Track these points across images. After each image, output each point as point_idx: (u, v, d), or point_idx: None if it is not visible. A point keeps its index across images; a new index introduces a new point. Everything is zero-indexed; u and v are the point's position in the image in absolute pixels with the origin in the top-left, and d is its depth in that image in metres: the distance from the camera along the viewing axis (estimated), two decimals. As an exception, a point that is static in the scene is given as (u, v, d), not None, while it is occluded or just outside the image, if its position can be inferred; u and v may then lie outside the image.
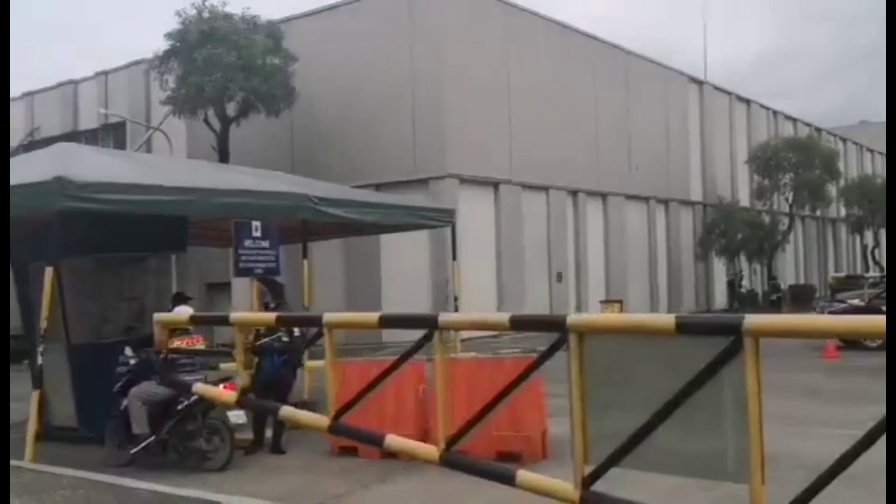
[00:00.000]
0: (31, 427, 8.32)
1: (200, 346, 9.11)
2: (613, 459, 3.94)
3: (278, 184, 11.60)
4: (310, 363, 10.65)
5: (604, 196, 31.42)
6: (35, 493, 6.84)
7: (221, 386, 7.80)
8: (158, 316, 6.56)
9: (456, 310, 14.94)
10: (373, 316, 5.06)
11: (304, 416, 5.52)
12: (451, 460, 4.73)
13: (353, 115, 25.11)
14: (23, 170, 9.45)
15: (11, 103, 36.89)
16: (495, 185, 26.00)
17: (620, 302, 26.05)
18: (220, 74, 22.22)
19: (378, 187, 23.44)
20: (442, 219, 13.99)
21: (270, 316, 5.90)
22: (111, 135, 32.67)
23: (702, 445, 3.83)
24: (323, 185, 13.10)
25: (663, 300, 34.54)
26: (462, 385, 8.46)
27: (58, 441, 10.91)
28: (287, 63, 23.79)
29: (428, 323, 4.77)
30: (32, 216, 8.76)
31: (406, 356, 5.09)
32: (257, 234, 10.20)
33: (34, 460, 8.16)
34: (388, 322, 5.15)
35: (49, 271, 8.68)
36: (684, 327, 3.66)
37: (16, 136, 34.84)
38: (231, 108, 24.32)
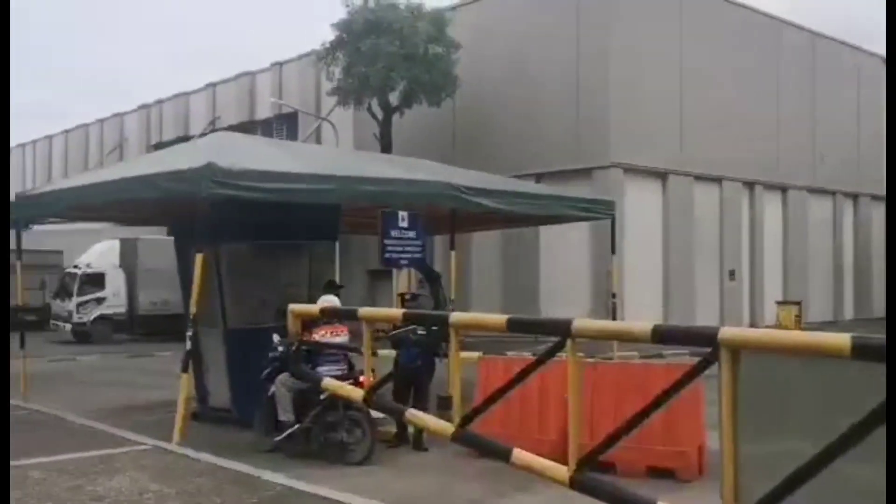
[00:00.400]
0: (180, 409, 8.47)
1: (343, 336, 8.99)
2: (776, 497, 3.28)
3: (426, 173, 11.34)
4: (462, 354, 10.32)
5: (784, 189, 29.27)
6: (170, 477, 6.88)
7: (362, 379, 7.65)
8: (291, 306, 6.47)
9: (613, 308, 14.23)
10: (500, 319, 4.61)
11: (429, 420, 5.16)
12: (583, 483, 4.21)
13: (515, 104, 24.64)
14: (179, 157, 9.74)
15: (195, 94, 39.26)
16: (663, 175, 24.73)
17: (799, 304, 24.19)
18: (383, 64, 22.38)
19: (539, 178, 22.88)
20: (601, 210, 13.30)
21: (397, 312, 5.60)
22: (284, 125, 33.90)
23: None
24: (474, 174, 12.76)
25: (848, 305, 31.88)
26: (608, 393, 7.86)
27: (214, 422, 11.31)
28: (450, 51, 23.64)
29: (560, 330, 4.27)
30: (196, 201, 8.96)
31: (537, 364, 4.62)
32: (403, 223, 9.98)
33: (181, 442, 8.29)
34: (518, 326, 4.67)
35: (199, 257, 8.82)
36: (862, 351, 2.94)
37: (198, 126, 36.90)
38: (394, 98, 24.49)
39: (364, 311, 5.66)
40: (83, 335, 27.14)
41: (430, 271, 11.94)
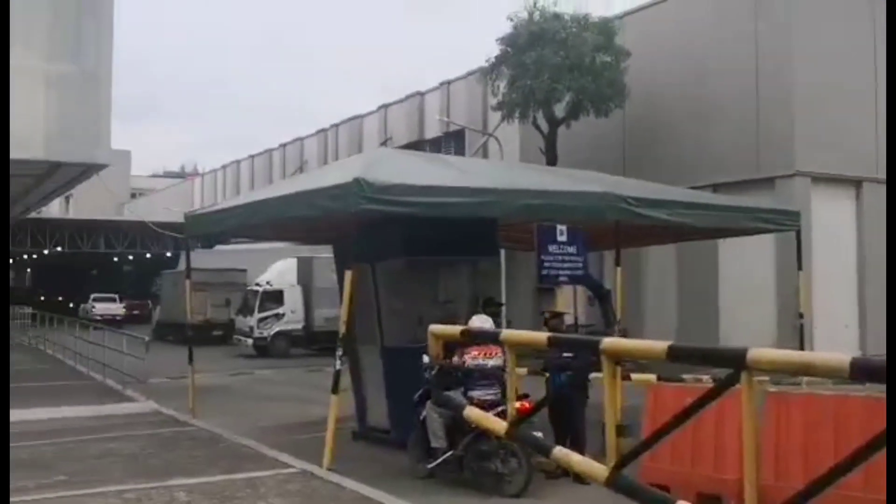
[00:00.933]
0: (330, 433, 8.21)
1: (497, 359, 8.45)
2: None
3: (591, 183, 10.63)
4: (636, 377, 9.50)
5: None
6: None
7: (519, 404, 7.09)
8: (431, 328, 6.02)
9: (801, 329, 12.85)
10: (660, 346, 3.90)
11: (578, 461, 4.50)
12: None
13: (689, 111, 23.27)
14: (334, 174, 9.62)
15: (368, 116, 40.26)
16: (857, 183, 22.51)
17: None
18: (548, 76, 21.79)
19: (716, 188, 21.40)
20: (783, 222, 12.04)
21: (542, 336, 5.00)
22: (452, 142, 34.00)
23: None
24: (640, 184, 11.90)
25: None
26: (795, 427, 6.86)
27: (371, 443, 11.11)
28: (619, 60, 22.71)
29: (731, 361, 3.52)
30: (359, 219, 8.81)
31: (709, 398, 3.88)
32: (562, 238, 9.32)
33: (331, 466, 8.03)
34: (681, 355, 3.95)
35: (349, 274, 8.57)
36: None
37: (371, 147, 37.73)
38: (559, 110, 23.83)
39: (506, 334, 5.10)
40: (263, 349, 28.23)
41: (598, 287, 11.21)
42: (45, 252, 54.62)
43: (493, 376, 8.48)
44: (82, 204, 63.00)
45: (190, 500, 6.69)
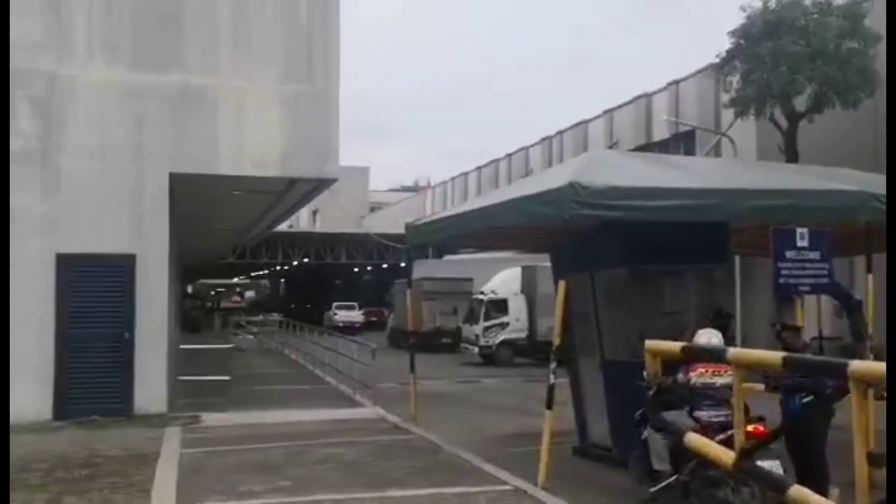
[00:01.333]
0: (544, 450, 7.87)
1: (726, 377, 7.67)
2: None
3: (835, 181, 9.49)
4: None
5: None
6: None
7: (752, 428, 6.37)
8: (648, 344, 5.50)
9: None
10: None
11: (818, 501, 3.84)
12: None
13: (958, 97, 20.53)
14: (547, 179, 9.29)
15: (593, 122, 39.55)
16: None
17: None
18: (786, 66, 20.09)
19: None
20: None
21: (776, 357, 4.33)
22: (682, 144, 32.51)
23: None
24: None
25: None
26: None
27: (592, 460, 10.62)
28: (867, 45, 20.50)
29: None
30: (575, 225, 8.45)
31: None
32: (803, 242, 8.33)
33: (546, 484, 7.67)
34: None
35: (562, 285, 8.18)
36: None
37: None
38: (800, 103, 21.92)
39: (735, 353, 4.50)
40: (489, 358, 28.46)
41: (847, 297, 10.01)
42: (295, 263, 58.86)
43: (723, 395, 7.72)
44: (327, 218, 67.26)
45: (401, 514, 6.61)
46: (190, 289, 73.29)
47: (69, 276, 12.35)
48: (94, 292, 12.48)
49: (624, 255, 9.94)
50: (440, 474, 8.23)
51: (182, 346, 14.41)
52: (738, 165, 15.32)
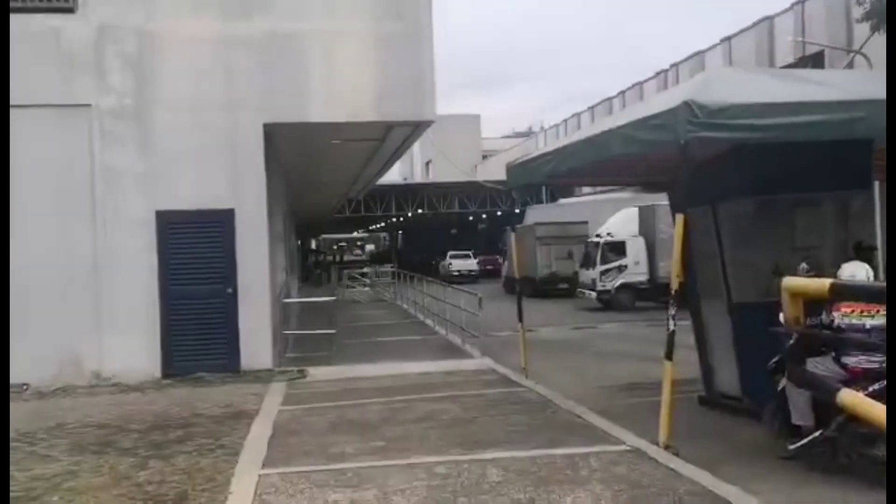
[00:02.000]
0: (665, 406, 7.01)
1: (879, 317, 6.59)
2: None
3: None
4: None
5: None
6: (640, 501, 5.44)
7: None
8: (786, 282, 4.57)
9: None
10: None
11: None
12: None
13: None
14: (660, 102, 8.25)
15: (710, 51, 37.20)
16: None
17: None
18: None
19: None
20: None
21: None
22: (809, 67, 30.07)
23: None
24: None
25: None
26: None
27: (721, 411, 9.73)
28: None
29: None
30: (693, 152, 7.47)
31: None
32: (968, 159, 7.04)
33: (668, 442, 6.84)
34: None
35: (679, 219, 7.22)
36: None
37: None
38: (949, 10, 19.58)
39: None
40: (607, 303, 27.57)
41: None
42: (409, 215, 58.98)
43: (879, 338, 6.64)
44: (440, 169, 67.01)
45: (502, 479, 5.94)
46: (314, 244, 75.00)
47: (170, 233, 12.20)
48: (195, 248, 12.29)
49: (750, 184, 8.91)
50: (550, 433, 7.51)
51: (285, 301, 14.17)
52: (881, 77, 13.60)
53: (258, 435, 7.91)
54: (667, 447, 6.87)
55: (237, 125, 12.43)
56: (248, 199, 12.45)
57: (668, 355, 7.22)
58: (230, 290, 12.29)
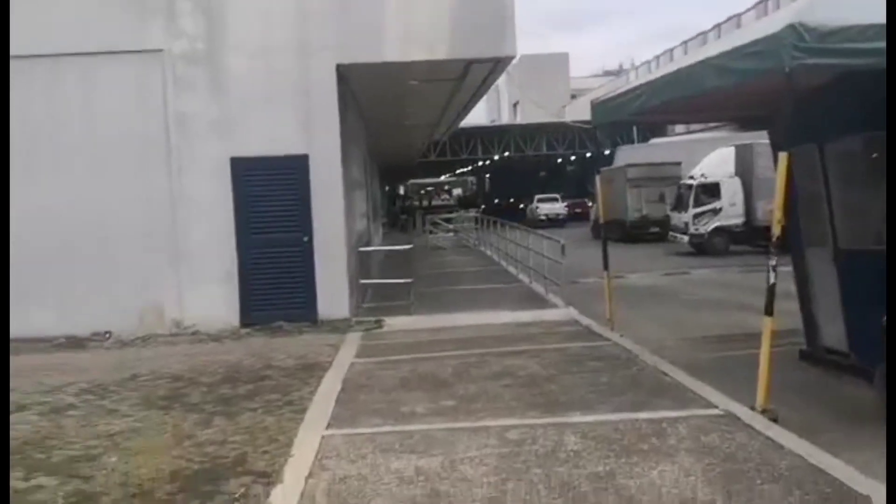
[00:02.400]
0: (763, 366, 6.34)
1: None
2: None
3: None
4: None
5: None
6: (731, 475, 4.85)
7: None
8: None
9: None
10: None
11: None
12: None
13: None
14: (762, 27, 7.37)
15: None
16: None
17: None
18: None
19: None
20: None
21: None
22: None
23: None
24: None
25: None
26: None
27: (824, 368, 8.99)
28: None
29: None
30: (798, 83, 6.67)
31: None
32: None
33: (766, 407, 6.21)
34: None
35: (782, 158, 6.45)
36: None
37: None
38: None
39: None
40: (700, 247, 26.49)
41: None
42: (496, 158, 58.17)
43: None
44: (528, 110, 65.72)
45: (580, 448, 5.43)
46: (402, 189, 75.10)
47: (244, 180, 11.96)
48: (269, 196, 12.03)
49: (862, 118, 7.97)
50: (633, 393, 6.94)
51: (361, 249, 13.85)
52: None
53: (327, 390, 7.62)
54: (764, 411, 6.25)
55: (310, 68, 12.01)
56: (321, 144, 12.08)
57: (768, 310, 6.53)
58: (306, 239, 12.03)
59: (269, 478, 5.24)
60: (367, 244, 18.21)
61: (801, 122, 8.32)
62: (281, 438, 6.08)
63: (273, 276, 12.04)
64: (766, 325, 6.49)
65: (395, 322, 11.91)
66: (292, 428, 6.35)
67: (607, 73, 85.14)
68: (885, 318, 6.74)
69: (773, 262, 6.52)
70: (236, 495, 4.96)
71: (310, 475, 5.15)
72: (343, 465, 5.35)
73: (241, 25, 11.95)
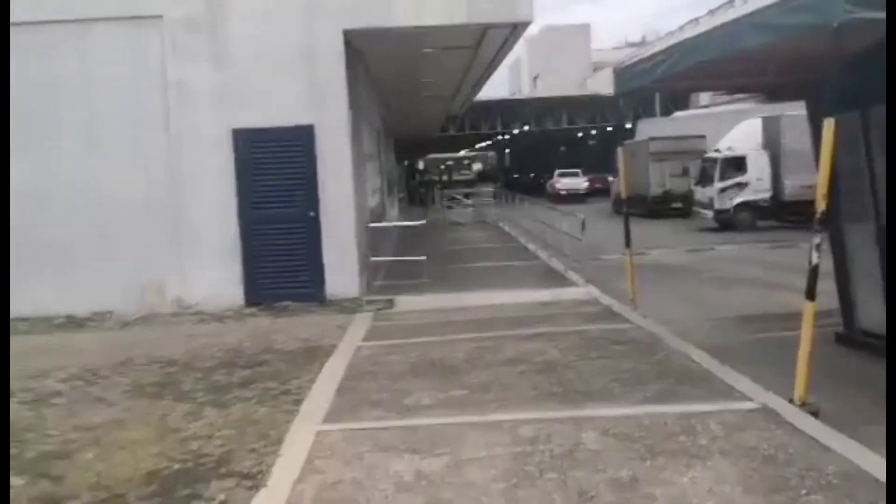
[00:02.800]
0: (803, 358, 5.75)
1: None
2: None
3: None
4: None
5: None
6: (761, 483, 4.27)
7: None
8: None
9: None
10: None
11: None
12: None
13: None
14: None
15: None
16: None
17: None
18: None
19: None
20: None
21: None
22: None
23: None
24: None
25: None
26: None
27: (863, 353, 8.36)
28: None
29: None
30: (842, 45, 6.00)
31: None
32: None
33: (805, 401, 5.63)
34: None
35: (829, 126, 5.80)
36: None
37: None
38: None
39: None
40: (725, 222, 25.68)
41: None
42: (516, 132, 57.26)
43: None
44: (550, 83, 64.58)
45: (600, 448, 4.86)
46: (421, 164, 74.42)
47: (247, 153, 11.40)
48: (274, 168, 11.46)
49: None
50: (658, 383, 6.34)
51: (371, 224, 13.27)
52: None
53: (329, 378, 7.09)
54: (803, 404, 5.66)
55: (315, 33, 11.39)
56: (329, 113, 11.49)
57: (810, 294, 5.91)
58: (312, 214, 11.48)
59: (255, 480, 4.73)
60: (381, 220, 17.65)
61: (843, 88, 7.66)
62: (272, 434, 5.56)
63: (279, 252, 11.51)
64: (808, 310, 5.86)
65: (407, 301, 11.38)
66: (285, 421, 5.83)
67: (630, 45, 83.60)
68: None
69: (816, 241, 5.88)
70: (215, 502, 4.44)
71: (298, 479, 4.63)
72: (336, 466, 4.81)
73: (244, -12, 11.35)
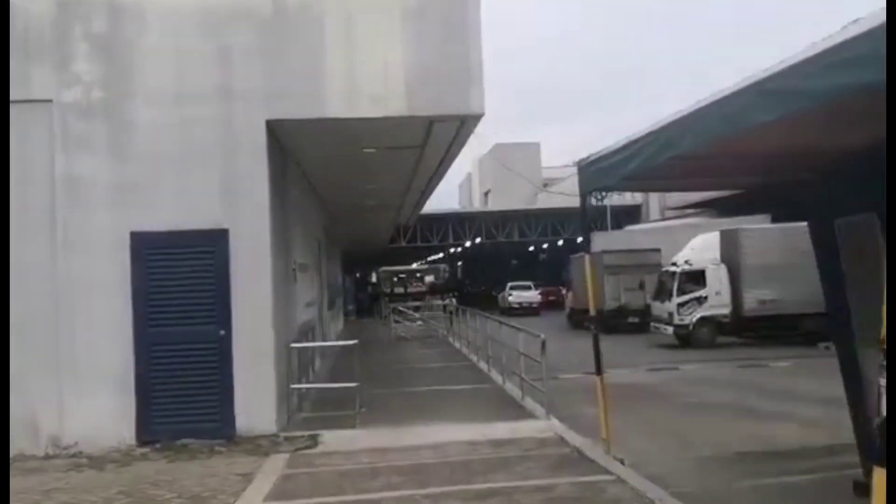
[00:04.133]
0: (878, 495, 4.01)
1: None
2: None
3: None
4: None
5: None
6: None
7: None
8: None
9: None
10: None
11: None
12: None
13: None
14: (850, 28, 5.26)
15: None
16: None
17: None
18: None
19: None
20: None
21: None
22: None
23: None
24: None
25: None
26: None
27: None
28: None
29: None
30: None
31: None
32: None
33: None
34: None
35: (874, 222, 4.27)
36: None
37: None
38: None
39: None
40: (685, 338, 24.37)
41: None
42: (467, 244, 56.35)
43: None
44: (501, 199, 64.36)
45: None
46: (374, 277, 73.05)
47: (147, 261, 9.62)
48: (178, 280, 9.67)
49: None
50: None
51: (293, 345, 11.39)
52: None
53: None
54: None
55: (234, 122, 9.86)
56: (247, 217, 9.83)
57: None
58: (223, 333, 9.64)
59: None
60: (315, 338, 15.76)
61: (856, 182, 6.29)
62: None
63: (180, 380, 9.58)
64: (878, 478, 4.15)
65: (334, 439, 9.45)
66: None
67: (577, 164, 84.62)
68: None
69: (883, 362, 4.18)
70: None
71: None
72: None
73: (150, 69, 9.80)
